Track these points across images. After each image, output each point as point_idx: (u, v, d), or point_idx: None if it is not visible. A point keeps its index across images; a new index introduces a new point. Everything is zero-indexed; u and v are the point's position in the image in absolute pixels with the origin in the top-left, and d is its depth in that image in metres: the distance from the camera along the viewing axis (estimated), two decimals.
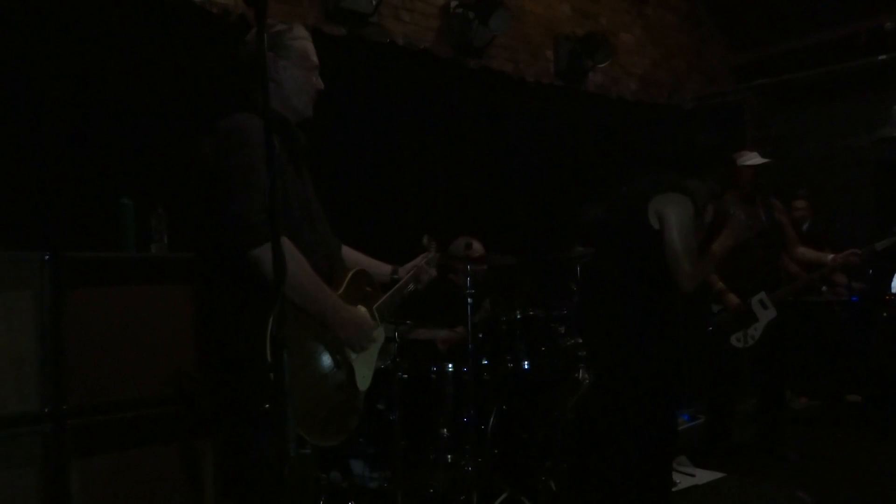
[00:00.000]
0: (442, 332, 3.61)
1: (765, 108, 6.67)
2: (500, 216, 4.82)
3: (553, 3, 5.44)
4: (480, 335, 3.50)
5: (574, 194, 5.17)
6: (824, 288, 5.31)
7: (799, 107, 6.51)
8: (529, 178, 5.05)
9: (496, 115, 4.91)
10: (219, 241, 1.88)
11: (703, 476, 3.83)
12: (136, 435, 2.54)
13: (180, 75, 3.39)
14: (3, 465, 2.28)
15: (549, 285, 4.20)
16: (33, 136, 2.97)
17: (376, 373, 2.17)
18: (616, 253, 3.13)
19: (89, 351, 2.47)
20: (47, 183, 2.98)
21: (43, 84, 3.01)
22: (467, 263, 3.27)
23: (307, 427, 1.82)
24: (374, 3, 4.18)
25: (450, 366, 3.34)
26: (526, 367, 3.51)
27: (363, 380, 2.08)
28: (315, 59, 2.10)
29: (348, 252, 2.31)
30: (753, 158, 4.27)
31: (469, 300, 3.19)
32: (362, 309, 2.11)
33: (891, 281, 5.25)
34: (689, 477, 3.79)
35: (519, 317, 3.57)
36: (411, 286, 2.42)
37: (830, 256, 4.35)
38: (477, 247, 3.71)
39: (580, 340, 3.59)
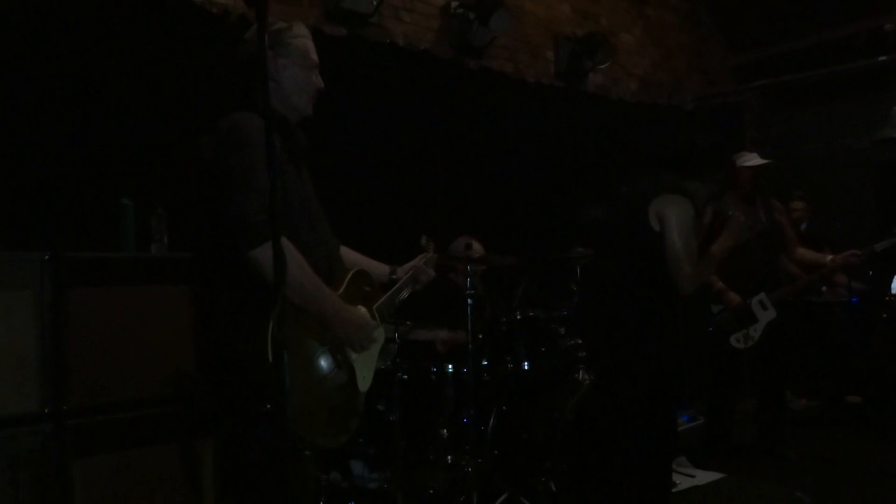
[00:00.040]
0: (442, 332, 3.61)
1: (765, 108, 6.67)
2: (500, 216, 4.82)
3: (553, 4, 5.45)
4: (480, 336, 3.50)
5: (574, 195, 5.17)
6: (824, 288, 5.31)
7: (799, 107, 6.52)
8: (529, 179, 5.05)
9: (496, 115, 4.90)
10: (218, 241, 1.88)
11: (703, 477, 3.83)
12: (137, 435, 2.54)
13: (180, 75, 3.39)
14: (4, 465, 2.28)
15: (549, 286, 4.20)
16: (34, 136, 2.96)
17: (376, 373, 2.17)
18: (616, 254, 3.13)
19: (90, 351, 2.47)
20: (48, 183, 2.98)
21: (43, 84, 3.00)
22: (467, 264, 3.26)
23: (308, 428, 1.82)
24: (374, 3, 4.18)
25: (450, 366, 3.34)
26: (526, 367, 3.51)
27: (364, 380, 2.07)
28: (315, 57, 2.10)
29: (346, 252, 2.31)
30: (753, 159, 4.28)
31: (469, 301, 3.19)
32: (362, 309, 2.11)
33: (890, 282, 5.25)
34: (689, 478, 3.80)
35: (519, 317, 3.57)
36: (410, 287, 2.42)
37: (830, 257, 4.35)
38: (477, 247, 3.71)
39: (580, 341, 3.59)
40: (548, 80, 5.34)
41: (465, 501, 3.07)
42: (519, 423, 3.41)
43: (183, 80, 3.39)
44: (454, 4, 4.69)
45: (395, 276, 2.42)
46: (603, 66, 5.51)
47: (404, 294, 2.41)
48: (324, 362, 1.92)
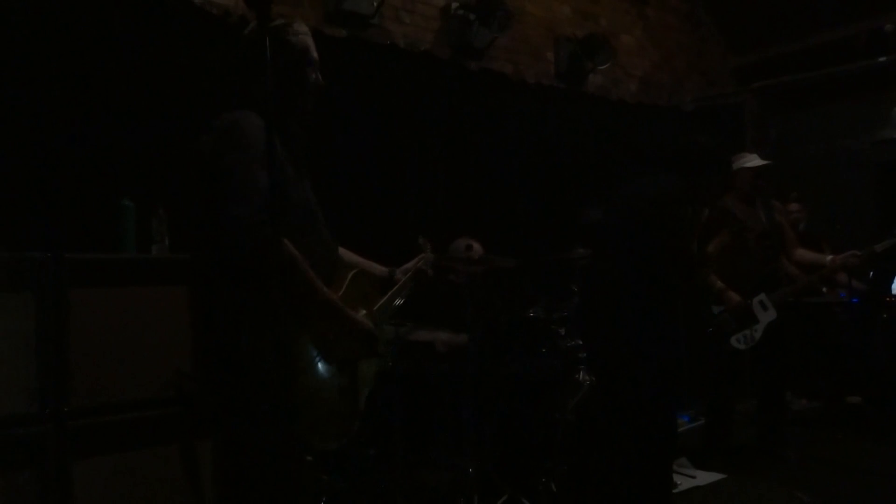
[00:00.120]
0: (442, 333, 3.61)
1: (765, 109, 6.67)
2: (500, 217, 4.82)
3: (553, 5, 5.45)
4: (480, 336, 3.50)
5: (574, 196, 5.17)
6: (824, 289, 5.31)
7: (799, 108, 6.52)
8: (529, 180, 5.06)
9: (496, 116, 4.91)
10: (218, 241, 1.85)
11: (704, 477, 3.83)
12: (137, 436, 2.54)
13: (181, 76, 3.40)
14: (4, 466, 2.28)
15: (550, 287, 4.20)
16: (34, 138, 2.97)
17: (377, 374, 2.16)
18: (616, 254, 3.13)
19: (90, 352, 2.47)
20: (49, 184, 2.98)
21: (44, 85, 3.01)
22: (468, 265, 3.27)
23: (308, 431, 1.81)
24: (374, 4, 4.19)
25: (450, 367, 3.34)
26: (526, 368, 3.51)
27: (365, 382, 2.06)
28: (315, 55, 2.07)
29: (344, 253, 2.29)
30: (753, 160, 4.29)
31: (469, 302, 3.19)
32: (362, 311, 2.10)
33: (891, 282, 5.25)
34: (690, 478, 3.80)
35: (519, 318, 3.57)
36: (409, 288, 2.42)
37: (829, 258, 4.35)
38: (476, 248, 3.71)
39: (580, 342, 3.59)
40: (548, 81, 5.34)
41: (466, 502, 3.07)
42: (519, 424, 3.41)
43: (183, 81, 3.40)
44: (454, 5, 4.70)
45: (394, 278, 2.42)
46: (603, 67, 5.52)
47: (404, 295, 2.41)
48: (325, 364, 1.91)
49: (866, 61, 5.60)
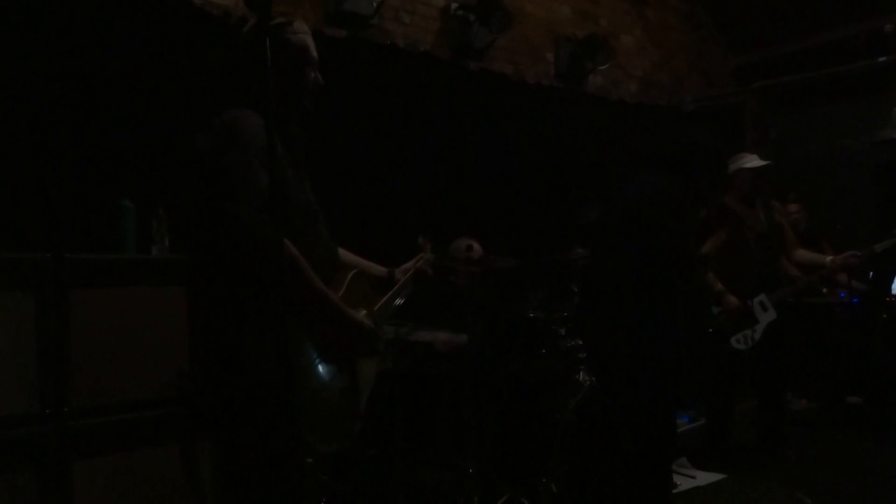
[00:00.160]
0: (442, 333, 3.62)
1: (765, 109, 6.67)
2: (500, 218, 4.83)
3: (553, 5, 5.45)
4: (480, 337, 3.50)
5: (574, 196, 5.17)
6: (825, 290, 5.31)
7: (799, 108, 6.52)
8: (529, 180, 5.06)
9: (496, 116, 4.91)
10: (218, 241, 1.84)
11: (704, 478, 3.83)
12: (138, 436, 2.54)
13: (181, 77, 3.40)
14: (4, 466, 2.28)
15: (550, 287, 4.20)
16: (34, 138, 2.97)
17: (377, 375, 2.16)
18: (614, 255, 3.13)
19: (91, 352, 2.47)
20: (49, 184, 2.98)
21: (44, 85, 3.01)
22: (468, 265, 3.27)
23: (309, 433, 1.81)
24: (374, 5, 4.19)
25: (450, 367, 3.34)
26: (526, 368, 3.51)
27: (366, 384, 2.06)
28: (315, 54, 2.06)
29: (344, 254, 2.28)
30: (753, 160, 4.29)
31: (469, 302, 3.19)
32: (362, 311, 2.09)
33: (891, 283, 5.25)
34: (690, 478, 3.80)
35: (519, 318, 3.57)
36: (409, 288, 2.42)
37: (829, 258, 4.35)
38: (476, 248, 3.72)
39: (580, 342, 3.60)
40: (548, 81, 5.34)
41: (466, 502, 3.08)
42: (519, 424, 3.42)
43: (183, 81, 3.40)
44: (454, 6, 4.70)
45: (394, 278, 2.42)
46: (603, 68, 5.52)
47: (404, 295, 2.41)
48: (325, 366, 1.90)
49: (866, 61, 5.60)
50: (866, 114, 5.65)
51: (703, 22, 6.77)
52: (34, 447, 2.34)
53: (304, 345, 1.85)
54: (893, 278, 5.25)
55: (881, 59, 5.47)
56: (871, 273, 5.32)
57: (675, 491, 3.55)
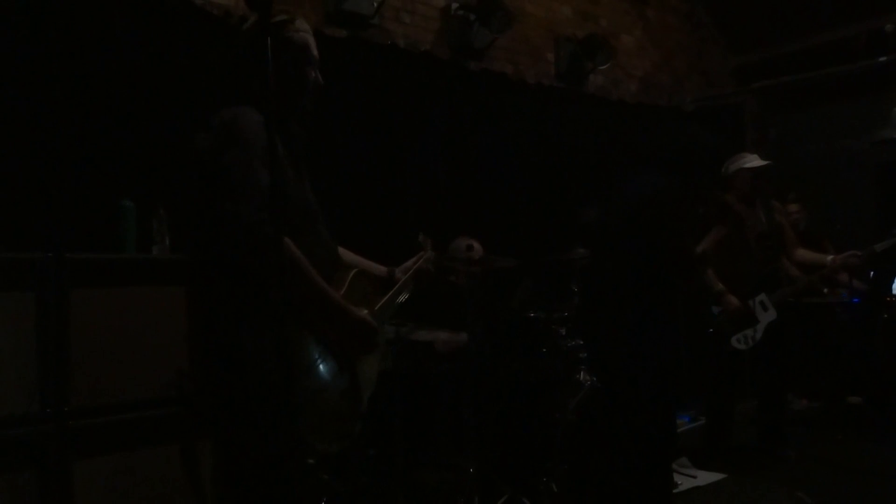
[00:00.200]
0: (443, 333, 3.62)
1: (765, 109, 6.67)
2: (500, 218, 4.83)
3: (553, 5, 5.45)
4: (481, 337, 3.50)
5: (574, 196, 5.17)
6: (826, 290, 5.31)
7: (799, 109, 6.52)
8: (530, 180, 5.06)
9: (497, 116, 4.91)
10: (218, 240, 1.83)
11: (705, 477, 3.83)
12: (138, 436, 2.54)
13: (181, 77, 3.40)
14: (4, 466, 2.29)
15: (550, 287, 4.20)
16: (35, 137, 2.97)
17: (378, 375, 2.16)
18: (615, 254, 3.14)
19: (91, 352, 2.47)
20: (49, 184, 2.98)
21: (45, 85, 3.01)
22: (468, 265, 3.27)
23: (311, 433, 1.80)
24: (375, 5, 4.19)
25: (450, 367, 3.34)
26: (526, 368, 3.51)
27: (367, 384, 2.05)
28: (316, 53, 2.06)
29: (343, 253, 2.27)
30: (753, 160, 4.28)
31: (469, 301, 3.19)
32: (363, 311, 2.08)
33: (891, 282, 5.25)
34: (691, 478, 3.80)
35: (519, 318, 3.57)
36: (410, 287, 2.41)
37: (830, 257, 4.35)
38: (477, 248, 3.72)
39: (581, 342, 3.60)
40: (548, 81, 5.34)
41: (466, 502, 3.08)
42: (519, 424, 3.41)
43: (184, 81, 3.40)
44: (455, 6, 4.70)
45: (394, 277, 2.42)
46: (603, 68, 5.52)
47: (404, 295, 2.41)
48: (327, 367, 1.89)
49: (866, 61, 5.60)
50: (866, 114, 5.65)
51: (703, 22, 6.78)
52: (34, 447, 2.34)
53: (305, 344, 1.85)
54: (894, 278, 5.25)
55: (881, 59, 5.47)
56: (872, 273, 5.32)
57: (675, 491, 3.55)
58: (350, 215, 3.85)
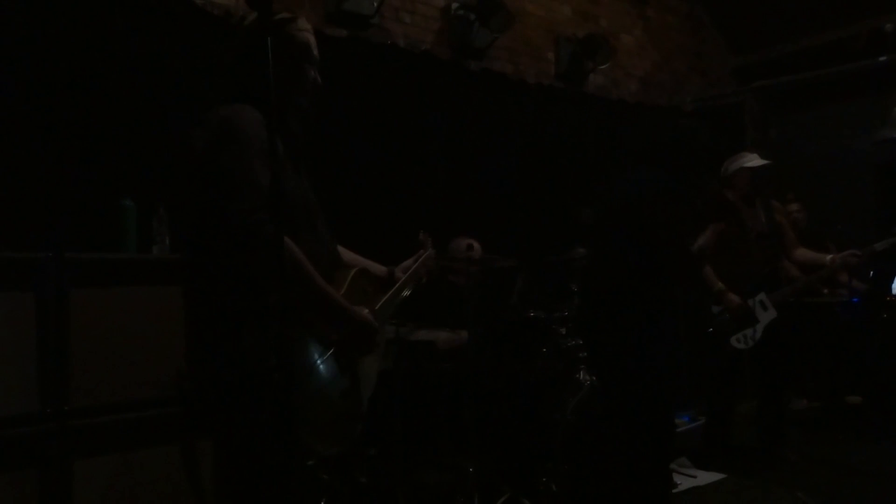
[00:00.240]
0: (443, 333, 3.62)
1: (765, 109, 6.67)
2: (500, 217, 4.83)
3: (554, 5, 5.45)
4: (481, 336, 3.50)
5: (574, 196, 5.17)
6: (826, 290, 5.31)
7: (799, 108, 6.52)
8: (530, 180, 5.06)
9: (497, 116, 4.91)
10: (217, 240, 1.79)
11: (704, 477, 3.83)
12: (138, 436, 2.54)
13: (182, 77, 3.40)
14: (5, 465, 2.29)
15: (550, 287, 4.20)
16: (35, 137, 2.97)
17: (378, 374, 2.15)
18: (610, 251, 3.13)
19: (91, 352, 2.47)
20: (49, 184, 2.98)
21: (45, 85, 3.01)
22: (468, 265, 3.27)
23: (310, 436, 1.79)
24: (375, 4, 4.19)
25: (450, 367, 3.34)
26: (526, 368, 3.51)
27: (367, 384, 2.04)
28: (316, 53, 2.05)
29: (343, 252, 2.25)
30: (753, 160, 4.28)
31: (469, 301, 3.19)
32: (364, 310, 2.07)
33: (891, 282, 5.25)
34: (690, 478, 3.80)
35: (519, 318, 3.57)
36: (411, 286, 2.41)
37: (829, 257, 4.35)
38: (476, 248, 3.72)
39: (581, 342, 3.60)
40: (548, 81, 5.34)
41: (466, 502, 3.08)
42: (519, 424, 3.42)
43: (184, 81, 3.40)
44: (455, 6, 4.70)
45: (394, 276, 2.41)
46: (603, 68, 5.52)
47: (405, 294, 2.40)
48: (327, 367, 1.87)
49: (866, 61, 5.60)
50: (867, 113, 5.65)
51: (703, 22, 6.77)
52: (35, 446, 2.34)
53: (305, 345, 1.83)
54: (894, 278, 5.24)
55: (881, 59, 5.47)
56: (872, 273, 5.32)
57: (675, 491, 3.56)
58: (350, 215, 3.85)
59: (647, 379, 2.97)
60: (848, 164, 6.17)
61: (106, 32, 3.22)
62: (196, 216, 1.86)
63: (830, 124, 6.31)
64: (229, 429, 1.88)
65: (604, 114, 5.63)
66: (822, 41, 6.15)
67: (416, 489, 3.18)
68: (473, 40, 4.72)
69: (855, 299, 5.21)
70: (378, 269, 2.42)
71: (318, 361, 1.85)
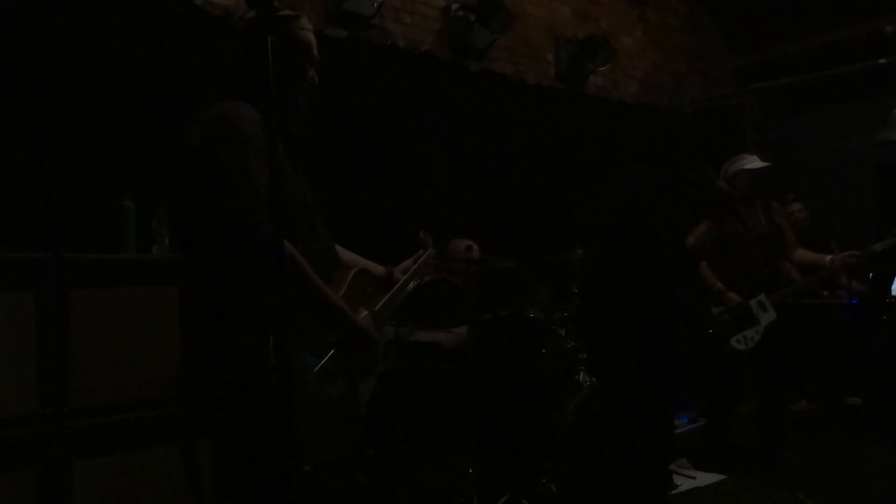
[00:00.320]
0: (442, 333, 3.62)
1: (765, 111, 6.68)
2: (500, 218, 4.83)
3: (554, 6, 5.46)
4: (480, 337, 3.50)
5: (574, 197, 5.18)
6: (825, 293, 5.30)
7: (799, 110, 6.52)
8: (529, 181, 5.06)
9: (496, 117, 4.91)
10: (215, 239, 1.77)
11: (704, 478, 3.83)
12: (137, 436, 2.54)
13: (182, 77, 3.40)
14: (4, 466, 2.29)
15: (550, 287, 4.20)
16: (35, 137, 2.97)
17: (378, 376, 2.14)
18: (612, 253, 3.12)
19: (90, 352, 2.47)
20: (49, 184, 2.98)
21: (45, 85, 3.01)
22: (468, 266, 3.27)
23: (308, 440, 1.78)
24: (375, 5, 4.19)
25: (450, 367, 3.34)
26: (526, 368, 3.51)
27: (366, 387, 2.03)
28: (317, 52, 2.04)
29: (342, 252, 2.24)
30: (753, 161, 4.28)
31: (469, 302, 3.19)
32: (364, 311, 2.06)
33: (891, 284, 5.25)
34: (690, 479, 3.80)
35: (519, 318, 3.57)
36: (410, 286, 2.41)
37: (829, 258, 4.35)
38: (476, 249, 3.72)
39: (580, 342, 3.60)
40: (548, 82, 5.35)
41: (465, 501, 3.07)
42: (519, 424, 3.42)
43: (184, 81, 3.40)
44: (455, 6, 4.70)
45: (393, 276, 2.41)
46: (603, 69, 5.52)
47: (405, 294, 2.40)
48: (325, 370, 1.85)
49: (866, 63, 5.60)
50: (866, 115, 5.65)
51: (703, 23, 6.78)
52: (34, 447, 2.34)
53: (303, 349, 1.82)
54: (893, 279, 5.25)
55: (881, 60, 5.48)
56: (871, 274, 5.32)
57: (675, 491, 3.56)
58: (350, 215, 3.85)
59: (646, 380, 2.96)
60: (848, 165, 6.17)
61: (106, 32, 3.22)
62: (194, 215, 1.85)
63: (830, 125, 6.32)
64: (228, 429, 1.88)
65: (604, 115, 5.64)
66: (823, 42, 6.16)
67: (415, 489, 3.18)
68: (473, 41, 4.72)
69: (854, 301, 5.21)
70: (377, 269, 2.41)
71: (317, 364, 1.83)
